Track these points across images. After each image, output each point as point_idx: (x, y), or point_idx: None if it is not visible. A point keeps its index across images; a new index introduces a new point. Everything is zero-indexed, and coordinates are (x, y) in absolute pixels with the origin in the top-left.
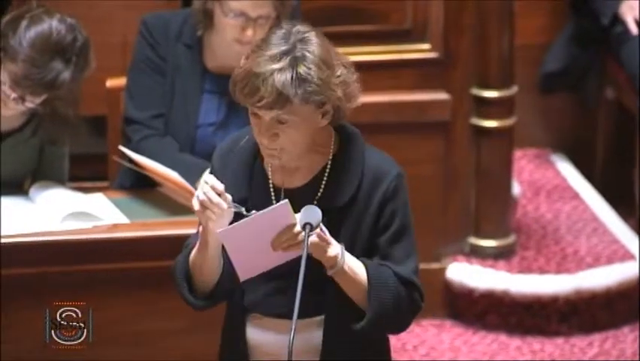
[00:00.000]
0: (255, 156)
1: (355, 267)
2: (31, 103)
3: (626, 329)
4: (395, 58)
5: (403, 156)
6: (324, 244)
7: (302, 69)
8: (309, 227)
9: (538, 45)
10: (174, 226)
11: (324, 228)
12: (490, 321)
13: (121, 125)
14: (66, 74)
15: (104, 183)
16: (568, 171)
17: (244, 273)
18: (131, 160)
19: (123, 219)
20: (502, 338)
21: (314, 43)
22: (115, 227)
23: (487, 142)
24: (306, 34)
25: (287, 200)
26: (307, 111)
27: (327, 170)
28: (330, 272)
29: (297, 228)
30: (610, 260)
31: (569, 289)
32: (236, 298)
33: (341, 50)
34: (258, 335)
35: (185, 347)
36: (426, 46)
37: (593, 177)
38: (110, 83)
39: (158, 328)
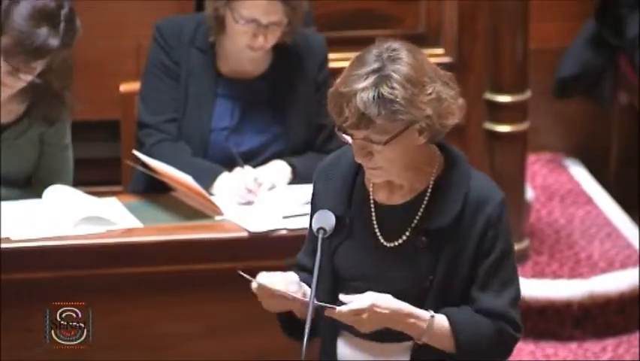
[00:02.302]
0: (357, 171)
1: (443, 332)
2: (27, 74)
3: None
4: None
5: None
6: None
7: (384, 89)
8: (322, 231)
9: (552, 50)
10: (188, 231)
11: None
12: None
13: (134, 130)
14: (54, 41)
15: (118, 188)
16: (581, 175)
17: None
18: (144, 165)
19: (137, 223)
20: None
21: (403, 61)
22: (128, 231)
23: (500, 147)
24: (397, 52)
25: None
26: (396, 130)
27: (429, 190)
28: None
29: None
30: (623, 265)
31: (583, 293)
32: (328, 315)
33: (354, 54)
34: (349, 353)
35: (200, 351)
36: (439, 50)
37: (607, 182)
38: (124, 87)
39: (172, 332)
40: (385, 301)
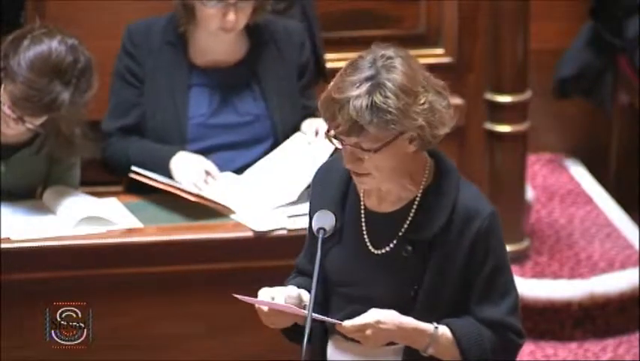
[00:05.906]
0: (350, 177)
1: (447, 343)
2: (31, 124)
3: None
4: None
5: None
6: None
7: (378, 98)
8: (322, 232)
9: (553, 50)
10: (188, 231)
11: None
12: None
13: None
14: (65, 96)
15: (118, 188)
16: (581, 175)
17: None
18: (145, 177)
19: (137, 223)
20: None
21: (397, 70)
22: (129, 232)
23: (500, 147)
24: (392, 61)
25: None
26: (387, 138)
27: (418, 200)
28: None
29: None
30: (623, 265)
31: (583, 294)
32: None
33: (355, 54)
34: (339, 356)
35: (200, 351)
36: (440, 51)
37: (607, 182)
38: None
39: (172, 332)
40: (389, 317)
